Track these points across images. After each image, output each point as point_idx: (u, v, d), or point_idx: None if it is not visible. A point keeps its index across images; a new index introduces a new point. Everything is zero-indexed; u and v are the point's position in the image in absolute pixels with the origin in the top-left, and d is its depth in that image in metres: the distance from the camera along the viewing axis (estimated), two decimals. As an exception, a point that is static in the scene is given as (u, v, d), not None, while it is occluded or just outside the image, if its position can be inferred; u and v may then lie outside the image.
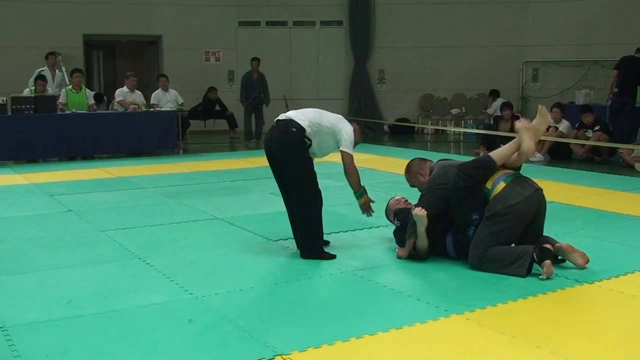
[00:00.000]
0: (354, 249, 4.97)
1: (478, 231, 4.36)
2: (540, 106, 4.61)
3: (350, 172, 4.72)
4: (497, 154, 4.47)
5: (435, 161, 4.92)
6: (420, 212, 4.45)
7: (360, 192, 4.81)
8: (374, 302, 3.84)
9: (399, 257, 4.67)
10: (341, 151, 4.68)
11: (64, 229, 5.78)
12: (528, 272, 4.17)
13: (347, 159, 4.68)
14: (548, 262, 4.14)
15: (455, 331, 3.39)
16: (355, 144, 4.78)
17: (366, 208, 4.91)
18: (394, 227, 5.02)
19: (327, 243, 5.02)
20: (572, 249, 4.38)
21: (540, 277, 4.12)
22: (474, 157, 4.75)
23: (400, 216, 4.92)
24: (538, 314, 3.62)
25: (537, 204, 4.37)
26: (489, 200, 4.34)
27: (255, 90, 13.09)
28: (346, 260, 4.66)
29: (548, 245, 4.30)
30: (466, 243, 4.46)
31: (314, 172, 4.70)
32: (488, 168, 4.40)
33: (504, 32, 15.73)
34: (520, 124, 4.45)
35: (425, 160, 5.02)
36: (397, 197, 5.26)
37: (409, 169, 5.00)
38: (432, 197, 4.54)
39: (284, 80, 15.62)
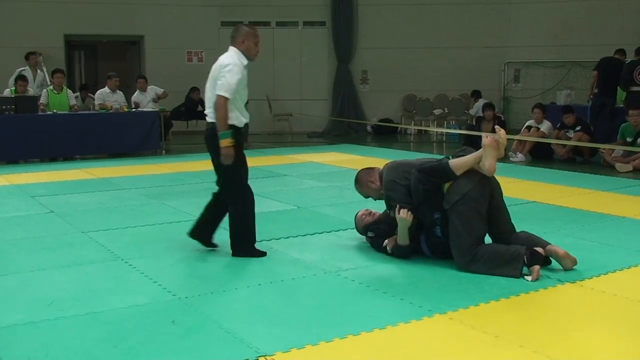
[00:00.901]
0: (337, 250, 4.98)
1: (450, 230, 4.38)
2: (497, 128, 4.53)
3: (218, 112, 4.58)
4: (457, 164, 4.38)
5: (382, 167, 4.93)
6: (407, 217, 4.45)
7: (224, 133, 4.58)
8: (358, 302, 3.84)
9: (386, 246, 4.71)
10: (216, 94, 4.61)
11: (46, 231, 5.73)
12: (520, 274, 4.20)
13: (218, 101, 4.58)
14: (537, 267, 4.16)
15: (438, 331, 3.40)
16: (252, 57, 4.78)
17: (227, 153, 4.57)
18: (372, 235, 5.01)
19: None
20: (567, 255, 4.36)
21: (526, 277, 4.15)
22: (431, 160, 4.65)
23: (371, 227, 4.94)
24: (521, 314, 3.64)
25: (489, 184, 4.42)
26: (444, 194, 4.39)
27: None
28: (329, 261, 4.66)
29: (540, 249, 4.30)
30: (438, 243, 4.54)
31: (245, 171, 4.76)
32: (446, 178, 4.39)
33: (486, 33, 15.82)
34: (488, 140, 4.34)
35: (371, 168, 5.07)
36: (361, 213, 5.20)
37: (358, 181, 5.07)
38: (404, 193, 4.54)
39: (267, 80, 15.59)
